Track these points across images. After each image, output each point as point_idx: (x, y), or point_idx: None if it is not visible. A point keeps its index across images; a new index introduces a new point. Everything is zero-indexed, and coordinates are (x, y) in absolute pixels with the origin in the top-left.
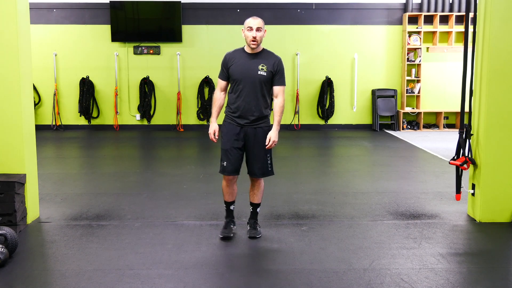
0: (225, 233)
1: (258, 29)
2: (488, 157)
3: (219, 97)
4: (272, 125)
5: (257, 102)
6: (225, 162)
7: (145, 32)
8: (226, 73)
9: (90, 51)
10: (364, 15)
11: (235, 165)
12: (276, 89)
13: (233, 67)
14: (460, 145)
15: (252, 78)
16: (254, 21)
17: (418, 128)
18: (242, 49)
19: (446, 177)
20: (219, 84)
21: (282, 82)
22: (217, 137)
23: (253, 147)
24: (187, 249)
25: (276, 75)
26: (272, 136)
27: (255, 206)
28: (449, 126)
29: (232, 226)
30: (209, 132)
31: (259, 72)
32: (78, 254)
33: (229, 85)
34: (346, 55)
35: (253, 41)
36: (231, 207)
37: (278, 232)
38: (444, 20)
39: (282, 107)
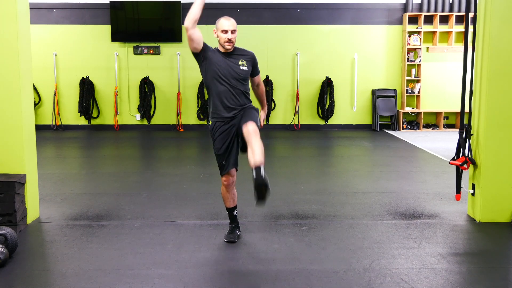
0: (230, 238)
1: (232, 32)
2: (488, 157)
3: None
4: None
5: (239, 97)
6: (223, 161)
7: (145, 32)
8: (204, 44)
9: (90, 51)
10: (364, 15)
11: (233, 159)
12: (257, 78)
13: (213, 63)
14: (460, 145)
15: (235, 75)
16: (227, 23)
17: (418, 128)
18: (217, 49)
19: (446, 177)
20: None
21: (259, 71)
22: None
23: (241, 119)
24: (187, 249)
25: (255, 67)
26: (265, 117)
27: (258, 169)
28: (449, 126)
29: (237, 231)
30: None
31: (241, 68)
32: (78, 254)
33: (208, 87)
34: (346, 55)
35: (228, 43)
36: (234, 213)
37: (278, 232)
38: (444, 20)
39: (264, 91)
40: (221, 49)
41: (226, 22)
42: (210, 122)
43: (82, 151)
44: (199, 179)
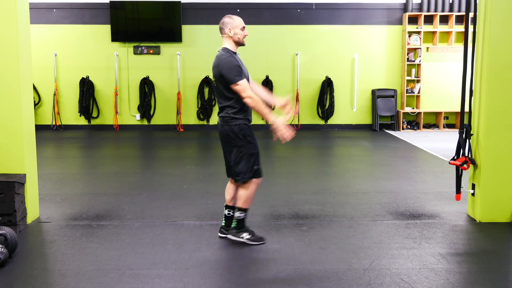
0: (262, 239)
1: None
2: (488, 157)
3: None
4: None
5: None
6: (259, 165)
7: (145, 32)
8: (240, 69)
9: (90, 51)
10: (364, 15)
11: None
12: None
13: (244, 66)
14: (460, 145)
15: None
16: (241, 19)
17: (418, 128)
18: (231, 51)
19: (446, 177)
20: (247, 84)
21: None
22: None
23: None
24: (187, 249)
25: None
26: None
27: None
28: (449, 126)
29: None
30: (285, 132)
31: None
32: (78, 254)
33: (230, 92)
34: (346, 55)
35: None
36: None
37: (278, 232)
38: (444, 20)
39: None
40: (234, 48)
41: (241, 19)
42: (238, 124)
43: (82, 151)
44: (199, 179)
